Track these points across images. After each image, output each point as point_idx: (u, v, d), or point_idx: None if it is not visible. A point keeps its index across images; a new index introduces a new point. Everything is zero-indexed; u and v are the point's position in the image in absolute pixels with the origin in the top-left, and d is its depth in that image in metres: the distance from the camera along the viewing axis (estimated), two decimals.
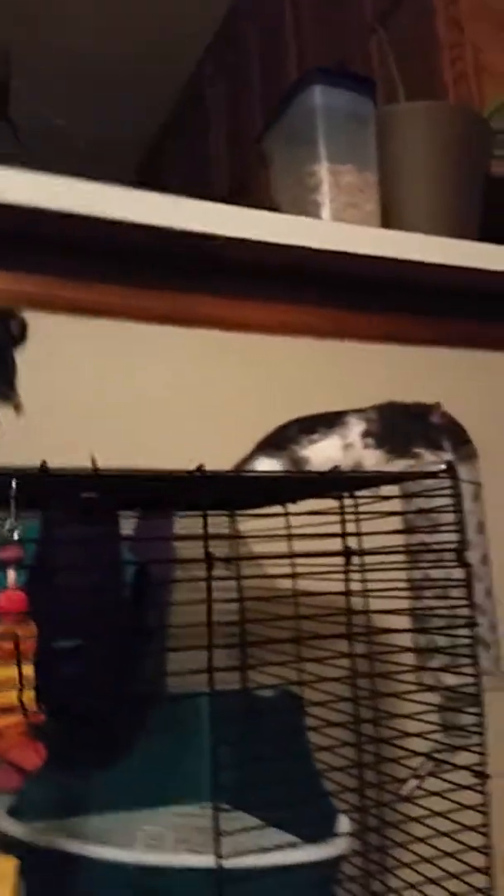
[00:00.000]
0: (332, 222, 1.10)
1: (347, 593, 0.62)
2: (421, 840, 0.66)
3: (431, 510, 0.64)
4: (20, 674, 0.49)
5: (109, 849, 0.68)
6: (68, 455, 0.58)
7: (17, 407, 0.73)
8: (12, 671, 0.49)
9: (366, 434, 0.73)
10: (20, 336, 0.75)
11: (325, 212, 1.12)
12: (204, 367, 1.00)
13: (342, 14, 2.26)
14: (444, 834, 0.64)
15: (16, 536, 0.52)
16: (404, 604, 0.69)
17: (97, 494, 0.61)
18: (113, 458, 0.68)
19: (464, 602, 0.60)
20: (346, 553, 0.63)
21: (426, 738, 0.69)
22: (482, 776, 0.59)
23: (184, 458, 0.73)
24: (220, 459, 0.77)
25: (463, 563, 0.59)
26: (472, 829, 0.62)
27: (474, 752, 0.61)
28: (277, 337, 1.03)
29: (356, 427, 0.73)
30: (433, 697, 0.69)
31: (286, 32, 2.53)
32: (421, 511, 0.66)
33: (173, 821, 0.80)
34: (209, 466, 0.69)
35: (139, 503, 0.63)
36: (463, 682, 0.63)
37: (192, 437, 0.89)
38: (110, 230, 0.90)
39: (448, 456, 0.69)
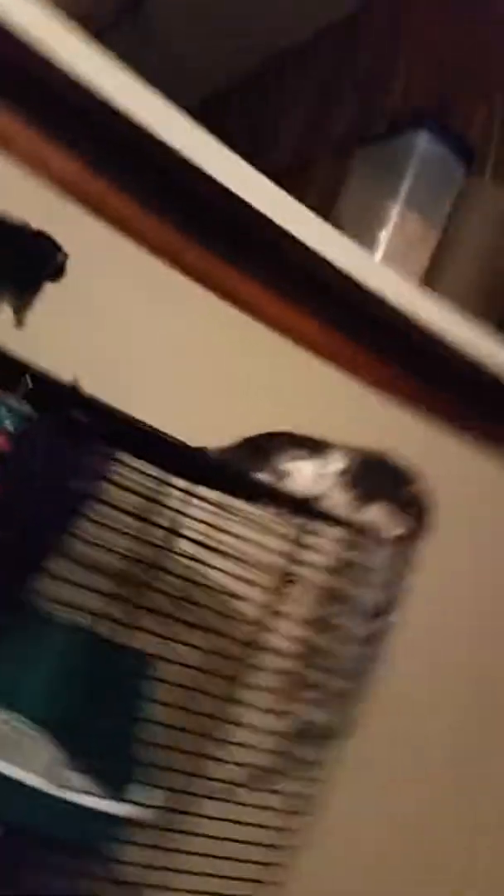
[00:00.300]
0: (382, 265, 1.13)
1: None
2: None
3: (364, 567, 0.69)
4: None
5: None
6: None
7: (20, 322, 0.73)
8: None
9: (343, 472, 0.76)
10: (57, 272, 0.75)
11: (380, 250, 1.16)
12: (218, 342, 1.02)
13: (466, 55, 2.26)
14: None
15: (10, 428, 0.53)
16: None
17: (85, 419, 0.62)
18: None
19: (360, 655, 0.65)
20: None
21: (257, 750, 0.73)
22: (296, 812, 0.64)
23: (170, 421, 0.75)
24: (199, 436, 0.80)
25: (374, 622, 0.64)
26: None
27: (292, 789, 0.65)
28: (299, 347, 1.06)
29: (337, 463, 0.76)
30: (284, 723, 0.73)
31: (400, 47, 2.51)
32: (351, 564, 0.70)
33: None
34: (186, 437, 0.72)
35: (115, 444, 0.64)
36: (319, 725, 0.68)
37: (185, 404, 0.91)
38: (180, 167, 0.89)
39: (403, 527, 0.74)
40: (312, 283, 1.09)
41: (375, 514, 0.74)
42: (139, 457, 0.66)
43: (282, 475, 0.74)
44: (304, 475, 0.74)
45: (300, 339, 1.11)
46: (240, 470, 0.71)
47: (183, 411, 0.88)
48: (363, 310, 1.11)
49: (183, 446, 0.65)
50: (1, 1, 0.73)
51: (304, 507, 0.70)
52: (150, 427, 0.65)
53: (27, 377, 0.51)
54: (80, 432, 0.59)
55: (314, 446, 0.76)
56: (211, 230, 1.04)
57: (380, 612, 0.68)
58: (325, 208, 1.20)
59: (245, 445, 0.76)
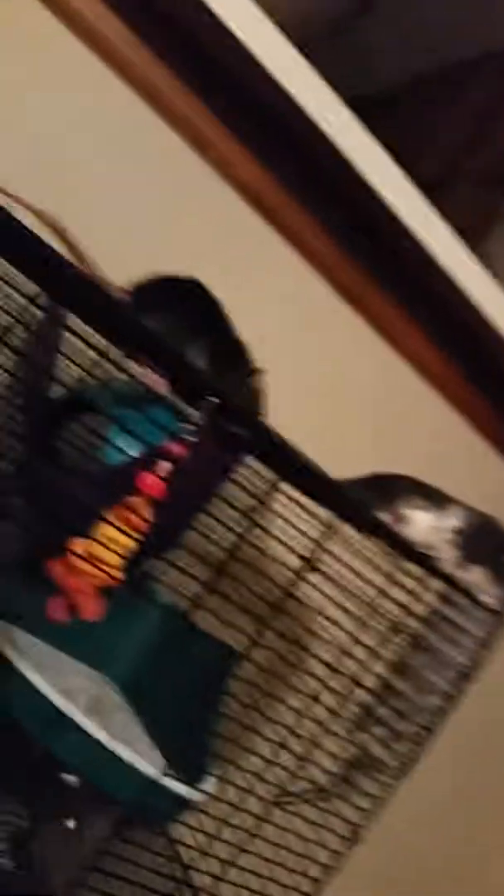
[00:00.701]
0: None
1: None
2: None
3: (456, 625, 0.73)
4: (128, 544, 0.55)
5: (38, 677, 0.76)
6: None
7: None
8: (123, 538, 0.56)
9: (457, 531, 0.80)
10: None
11: None
12: (360, 370, 1.05)
13: None
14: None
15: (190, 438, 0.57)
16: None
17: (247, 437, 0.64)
18: None
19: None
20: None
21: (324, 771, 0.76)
22: (349, 838, 0.69)
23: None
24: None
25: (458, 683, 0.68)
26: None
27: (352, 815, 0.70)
28: (433, 389, 1.08)
29: (453, 520, 0.80)
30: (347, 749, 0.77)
31: None
32: (445, 621, 0.74)
33: (85, 683, 0.87)
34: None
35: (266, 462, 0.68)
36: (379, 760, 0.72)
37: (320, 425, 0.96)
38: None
39: (499, 597, 0.76)
40: (460, 327, 1.11)
41: (477, 577, 0.77)
42: (281, 475, 0.69)
43: (400, 518, 0.77)
44: (420, 524, 0.78)
45: (435, 381, 1.13)
46: (365, 503, 0.75)
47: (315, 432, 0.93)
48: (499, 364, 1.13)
49: (324, 477, 0.69)
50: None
51: (414, 554, 0.73)
52: (300, 454, 0.69)
53: (211, 399, 0.56)
54: (241, 448, 0.64)
55: (436, 498, 0.79)
56: (374, 255, 1.07)
57: (462, 672, 0.71)
58: (467, 234, 1.21)
59: (373, 481, 0.79)
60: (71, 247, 0.70)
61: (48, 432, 0.88)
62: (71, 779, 0.85)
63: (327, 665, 0.73)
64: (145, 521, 0.56)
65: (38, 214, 0.67)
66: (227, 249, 0.99)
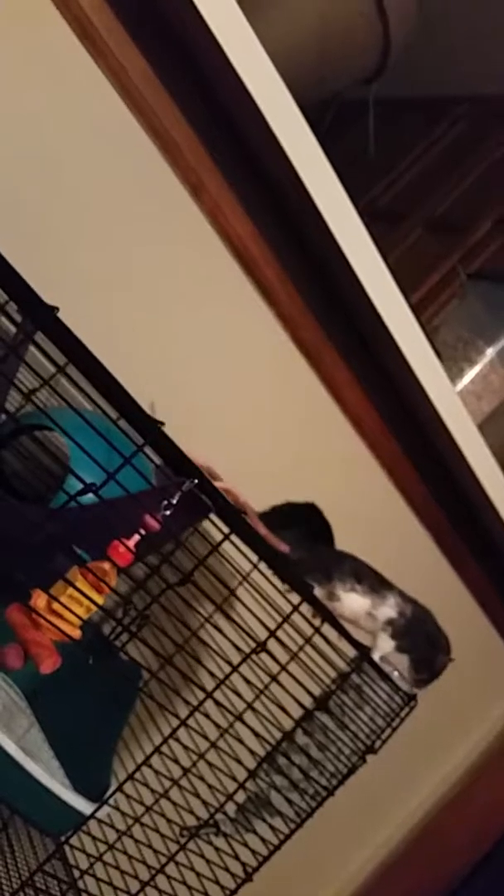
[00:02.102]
0: (455, 393, 1.22)
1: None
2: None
3: (366, 699, 0.79)
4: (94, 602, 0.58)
5: None
6: None
7: None
8: (87, 597, 0.58)
9: (389, 623, 0.84)
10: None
11: (461, 383, 1.25)
12: (304, 419, 1.10)
13: None
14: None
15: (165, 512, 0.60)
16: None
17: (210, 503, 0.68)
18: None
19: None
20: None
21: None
22: (242, 877, 0.74)
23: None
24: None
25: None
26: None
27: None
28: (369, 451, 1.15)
29: (390, 610, 0.84)
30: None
31: None
32: (357, 691, 0.80)
33: None
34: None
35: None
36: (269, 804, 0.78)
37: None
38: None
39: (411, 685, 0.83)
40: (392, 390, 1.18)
41: (398, 662, 0.83)
42: (231, 528, 0.73)
43: (333, 597, 0.82)
44: (353, 608, 0.84)
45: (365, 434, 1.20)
46: (300, 572, 0.79)
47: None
48: (431, 438, 1.20)
49: (269, 541, 0.74)
50: None
51: (337, 626, 0.79)
52: (243, 516, 0.73)
53: (190, 481, 0.59)
54: (204, 510, 0.67)
55: (376, 585, 0.84)
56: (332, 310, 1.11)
57: (365, 744, 0.78)
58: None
59: (317, 553, 0.84)
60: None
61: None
62: None
63: (225, 708, 0.77)
64: (110, 588, 0.58)
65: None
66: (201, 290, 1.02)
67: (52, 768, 0.84)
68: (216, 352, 1.05)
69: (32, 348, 0.63)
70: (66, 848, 0.89)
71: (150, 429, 0.56)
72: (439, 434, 1.16)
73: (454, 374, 1.24)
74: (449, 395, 1.17)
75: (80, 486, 0.66)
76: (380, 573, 0.86)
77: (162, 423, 0.56)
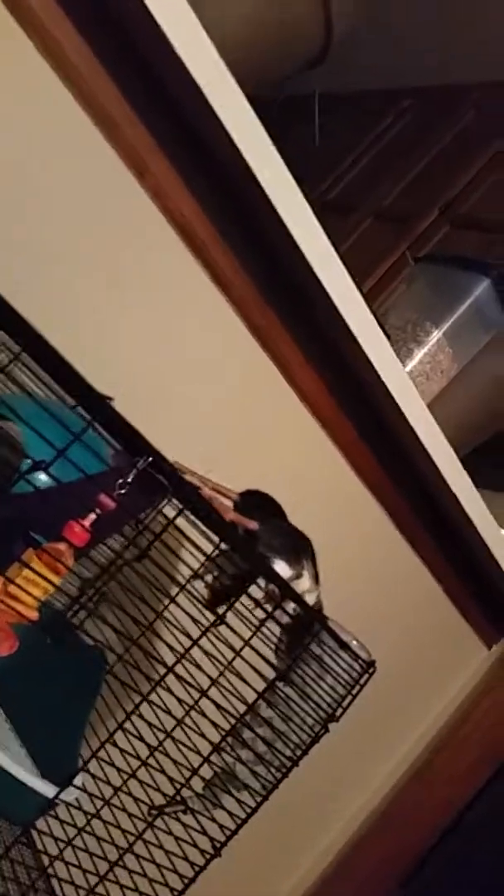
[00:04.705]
0: (406, 376, 1.25)
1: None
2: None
3: (325, 667, 0.81)
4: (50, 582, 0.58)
5: None
6: None
7: None
8: (44, 577, 0.59)
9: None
10: None
11: (410, 363, 1.28)
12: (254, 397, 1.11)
13: None
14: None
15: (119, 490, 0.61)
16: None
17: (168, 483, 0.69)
18: None
19: None
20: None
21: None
22: (211, 852, 0.75)
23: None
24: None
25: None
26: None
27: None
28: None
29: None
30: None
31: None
32: (316, 660, 0.82)
33: None
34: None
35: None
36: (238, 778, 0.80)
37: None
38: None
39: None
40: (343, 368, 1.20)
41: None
42: (193, 512, 0.74)
43: (300, 576, 0.85)
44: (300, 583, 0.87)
45: (320, 417, 1.22)
46: (264, 556, 0.81)
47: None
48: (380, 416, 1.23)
49: (228, 522, 0.75)
50: None
51: (296, 598, 0.81)
52: (206, 497, 0.74)
53: (144, 459, 0.60)
54: (161, 490, 0.68)
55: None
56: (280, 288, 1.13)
57: (327, 713, 0.80)
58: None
59: (291, 534, 0.87)
60: None
61: None
62: None
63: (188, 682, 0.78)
64: (67, 568, 0.59)
65: None
66: (150, 276, 1.02)
67: (17, 755, 0.84)
68: (166, 335, 1.06)
69: None
70: (36, 835, 0.90)
71: (98, 406, 0.57)
72: (392, 415, 1.19)
73: (403, 355, 1.27)
74: (400, 376, 1.20)
75: (37, 478, 0.66)
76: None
77: (111, 398, 0.57)
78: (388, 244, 2.12)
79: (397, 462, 1.29)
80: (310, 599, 0.89)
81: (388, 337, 1.12)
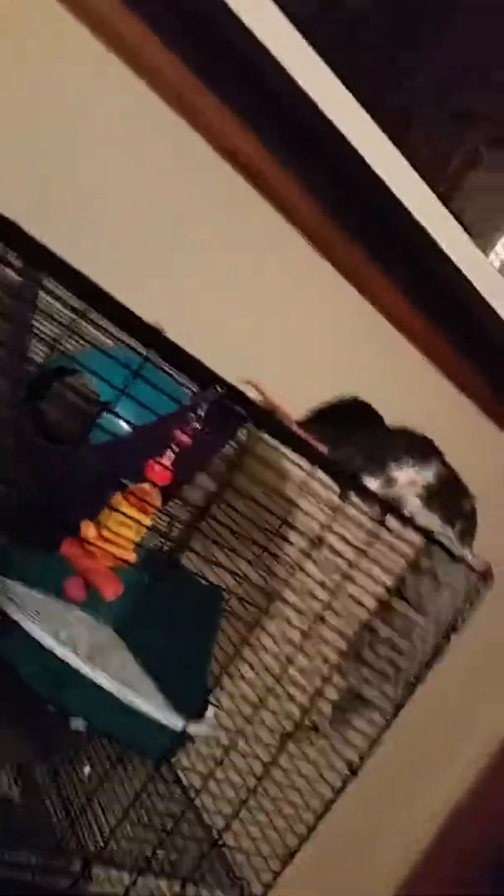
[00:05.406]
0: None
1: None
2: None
3: (438, 580, 0.78)
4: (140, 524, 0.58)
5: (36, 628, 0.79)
6: None
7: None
8: (134, 518, 0.59)
9: (427, 486, 0.83)
10: None
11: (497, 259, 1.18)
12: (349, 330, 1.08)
13: None
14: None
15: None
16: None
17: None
18: None
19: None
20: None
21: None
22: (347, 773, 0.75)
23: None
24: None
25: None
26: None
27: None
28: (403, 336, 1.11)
29: (429, 475, 0.84)
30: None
31: None
32: (429, 574, 0.79)
33: (81, 630, 0.91)
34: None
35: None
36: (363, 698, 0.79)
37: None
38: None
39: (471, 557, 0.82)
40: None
41: (452, 534, 0.82)
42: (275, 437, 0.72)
43: (391, 483, 0.81)
44: (402, 480, 0.83)
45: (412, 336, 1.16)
46: (350, 471, 0.78)
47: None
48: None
49: (311, 442, 0.73)
50: None
51: (395, 512, 0.78)
52: (289, 423, 0.72)
53: (216, 386, 0.58)
54: (239, 421, 0.66)
55: (421, 451, 0.84)
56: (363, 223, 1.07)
57: (446, 626, 0.77)
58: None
59: (364, 444, 0.82)
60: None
61: (35, 395, 0.89)
62: (78, 723, 0.91)
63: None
64: (154, 507, 0.59)
65: None
66: (214, 212, 0.99)
67: (151, 695, 0.86)
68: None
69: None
70: (180, 772, 0.93)
71: (152, 338, 0.55)
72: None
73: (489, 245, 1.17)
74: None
75: (115, 425, 0.66)
76: (426, 439, 0.86)
77: (162, 330, 0.55)
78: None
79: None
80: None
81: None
